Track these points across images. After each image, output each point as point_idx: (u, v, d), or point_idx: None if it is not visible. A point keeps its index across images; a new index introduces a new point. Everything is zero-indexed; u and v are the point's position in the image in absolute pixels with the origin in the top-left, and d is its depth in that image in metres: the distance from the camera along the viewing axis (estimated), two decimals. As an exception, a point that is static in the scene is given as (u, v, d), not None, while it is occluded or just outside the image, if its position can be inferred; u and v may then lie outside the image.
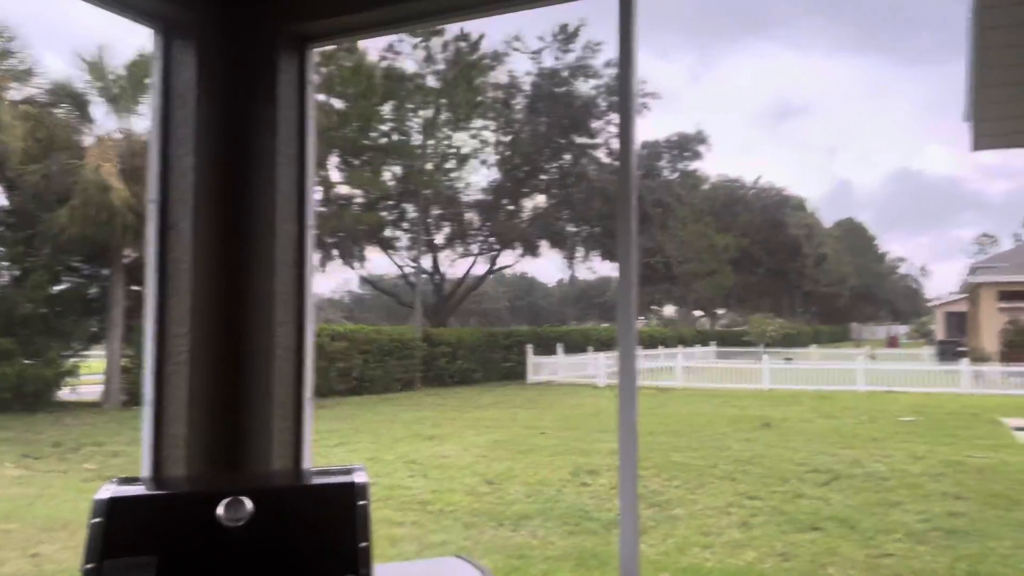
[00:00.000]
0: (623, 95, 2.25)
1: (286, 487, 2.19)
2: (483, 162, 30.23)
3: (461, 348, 24.55)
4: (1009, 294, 26.44)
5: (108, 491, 1.90)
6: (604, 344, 29.94)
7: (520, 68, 39.36)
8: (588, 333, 31.35)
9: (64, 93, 16.66)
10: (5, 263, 16.82)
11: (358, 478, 2.02)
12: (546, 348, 27.24)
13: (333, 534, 1.96)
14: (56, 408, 16.25)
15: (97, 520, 1.85)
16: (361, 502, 1.98)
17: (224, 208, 2.62)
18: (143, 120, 17.14)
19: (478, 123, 27.97)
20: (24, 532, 6.78)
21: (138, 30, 2.57)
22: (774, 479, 8.89)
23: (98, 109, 16.93)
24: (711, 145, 43.33)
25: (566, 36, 30.43)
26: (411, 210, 29.51)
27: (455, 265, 34.93)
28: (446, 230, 33.73)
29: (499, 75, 28.09)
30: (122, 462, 10.36)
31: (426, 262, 31.57)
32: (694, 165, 43.60)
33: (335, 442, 11.98)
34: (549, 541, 6.49)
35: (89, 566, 1.76)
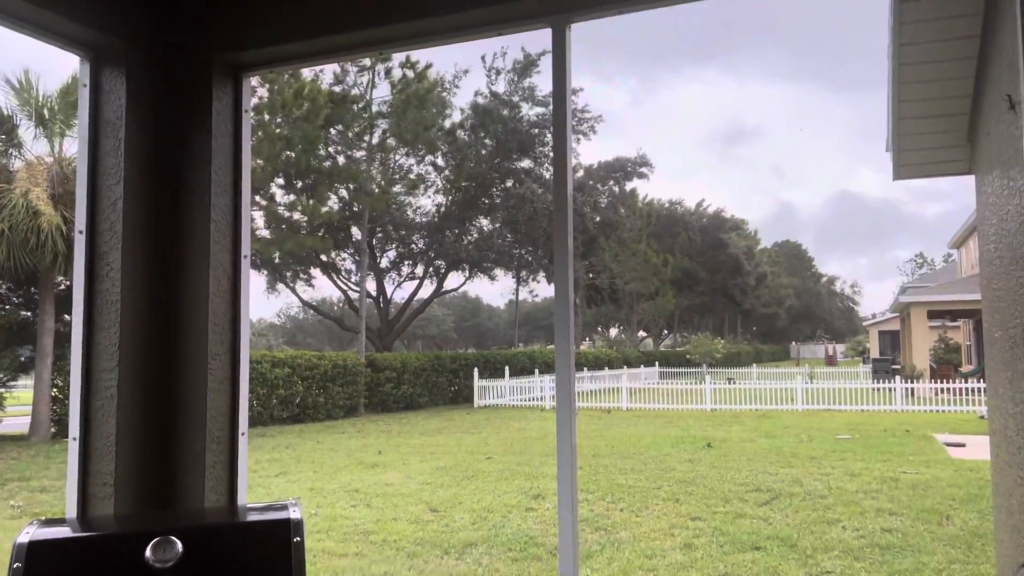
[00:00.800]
0: (558, 117, 2.29)
1: (218, 525, 2.14)
2: (429, 185, 30.27)
3: (406, 372, 24.34)
4: (938, 313, 27.48)
5: (29, 534, 1.84)
6: (550, 366, 30.05)
7: (467, 91, 39.61)
8: (534, 355, 31.45)
9: (-9, 115, 16.10)
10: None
11: (293, 514, 1.99)
12: (493, 371, 27.21)
13: (267, 572, 1.93)
14: (-21, 442, 15.51)
15: (17, 565, 1.78)
16: (296, 539, 1.95)
17: (156, 238, 2.57)
18: (74, 145, 16.67)
19: (424, 146, 28.01)
20: (-58, 576, 6.43)
21: (69, 55, 2.52)
22: (716, 499, 9.01)
23: (27, 133, 16.41)
24: (653, 167, 44.20)
25: (524, 64, 30.81)
26: (356, 233, 29.28)
27: (400, 288, 34.76)
28: (391, 253, 33.56)
29: (446, 98, 28.22)
30: (50, 498, 9.93)
31: (370, 285, 31.30)
32: (637, 188, 44.43)
33: (275, 471, 11.71)
34: (494, 569, 6.44)
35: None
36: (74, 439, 2.53)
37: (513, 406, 23.67)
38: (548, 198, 30.94)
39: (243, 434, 2.75)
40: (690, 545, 7.03)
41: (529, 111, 31.43)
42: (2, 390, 17.14)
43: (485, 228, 32.78)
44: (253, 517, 2.16)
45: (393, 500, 9.22)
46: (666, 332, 59.06)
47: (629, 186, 43.71)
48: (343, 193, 27.02)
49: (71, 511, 2.53)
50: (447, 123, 28.94)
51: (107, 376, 2.51)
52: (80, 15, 2.37)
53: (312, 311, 39.82)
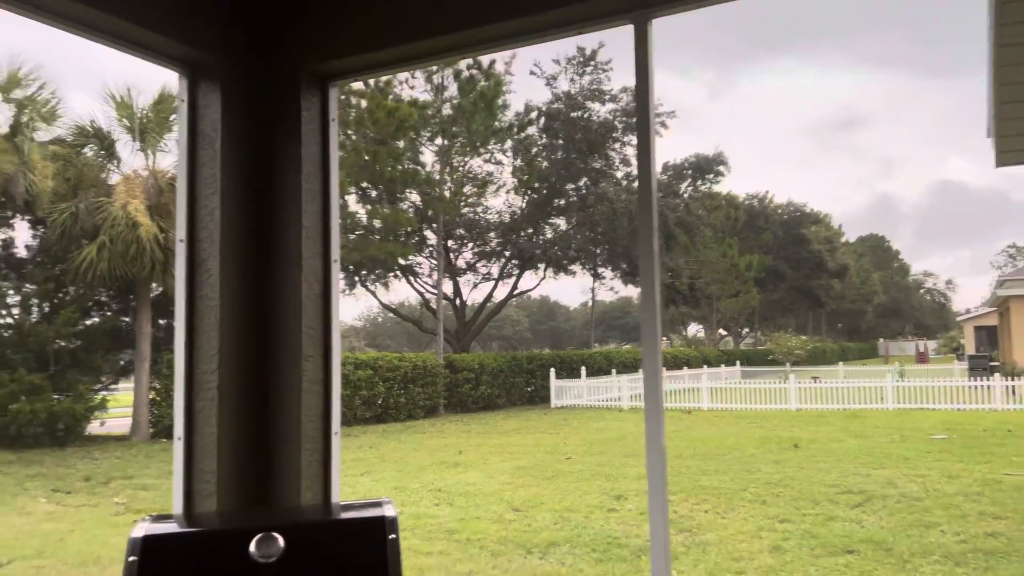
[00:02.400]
0: (641, 116, 2.27)
1: (316, 522, 2.20)
2: (500, 186, 30.44)
3: (484, 373, 24.53)
4: (1041, 306, 25.98)
5: (142, 529, 1.92)
6: (626, 366, 29.78)
7: (536, 91, 39.62)
8: (611, 355, 31.22)
9: (91, 133, 17.04)
10: (35, 300, 17.12)
11: (388, 512, 2.03)
12: (569, 371, 27.14)
13: (364, 569, 1.97)
14: (86, 442, 16.42)
15: (132, 559, 1.87)
16: (391, 536, 1.99)
17: (251, 245, 2.66)
18: (168, 157, 17.47)
19: (495, 148, 28.21)
20: (56, 568, 6.83)
21: (163, 71, 2.64)
22: (805, 501, 8.75)
23: (125, 147, 17.29)
24: (732, 163, 43.34)
25: (583, 60, 30.71)
26: (431, 237, 29.71)
27: (476, 290, 35.09)
28: (467, 255, 33.90)
29: (516, 99, 28.35)
30: (152, 495, 10.42)
31: (447, 288, 31.68)
32: (716, 184, 43.60)
33: (361, 471, 11.98)
34: (578, 569, 6.42)
35: (124, 607, 1.78)
36: (179, 438, 2.63)
37: (590, 406, 23.55)
38: (624, 197, 30.69)
39: (336, 433, 2.82)
40: (779, 548, 6.85)
41: (600, 109, 31.24)
42: (105, 393, 18.08)
43: (560, 228, 32.73)
44: (349, 515, 2.21)
45: (475, 499, 9.31)
46: (747, 330, 57.74)
47: (708, 182, 42.97)
48: (415, 198, 27.46)
49: (177, 507, 2.64)
50: (517, 124, 29.05)
51: (208, 378, 2.60)
52: (179, 34, 2.47)
53: (392, 314, 40.60)
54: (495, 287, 34.05)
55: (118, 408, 18.94)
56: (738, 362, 35.03)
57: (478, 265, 34.00)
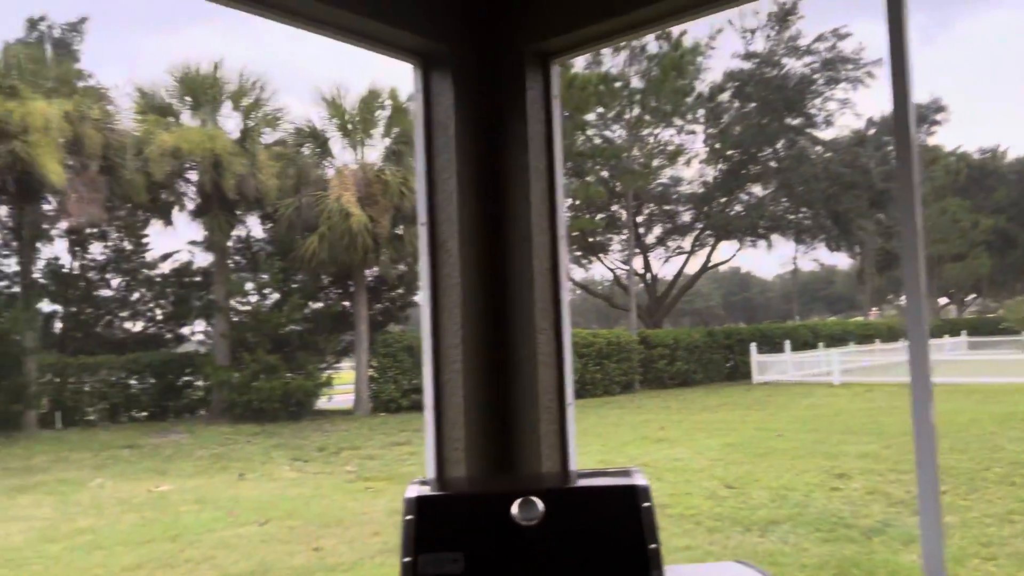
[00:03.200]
0: (896, 54, 2.09)
1: (574, 488, 2.26)
2: (692, 156, 29.55)
3: (679, 349, 24.10)
4: None
5: (414, 491, 2.08)
6: (834, 339, 27.95)
7: (727, 53, 37.93)
8: (816, 328, 29.44)
9: (308, 133, 18.60)
10: (268, 288, 19.06)
11: (639, 480, 2.05)
12: (770, 346, 25.97)
13: (620, 536, 2.00)
14: (316, 416, 18.09)
15: (409, 517, 2.03)
16: (645, 504, 2.01)
17: (485, 225, 2.78)
18: (374, 151, 18.71)
19: (686, 118, 27.40)
20: (305, 528, 7.60)
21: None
22: (1063, 485, 7.80)
23: (336, 144, 18.71)
24: (951, 114, 39.04)
25: (780, 15, 28.91)
26: (621, 212, 29.49)
27: (668, 264, 34.41)
28: (657, 229, 33.32)
29: (706, 66, 27.33)
30: (378, 464, 11.28)
31: (637, 264, 31.36)
32: (935, 137, 39.58)
33: (566, 445, 12.21)
34: (802, 548, 6.16)
35: (407, 559, 1.93)
36: (429, 408, 2.81)
37: (797, 382, 22.40)
38: (827, 156, 28.70)
39: (570, 404, 2.87)
40: (1036, 535, 6.16)
41: (795, 64, 29.27)
42: (329, 371, 19.81)
43: (756, 195, 31.23)
44: (603, 482, 2.25)
45: (684, 475, 9.19)
46: (973, 296, 52.14)
47: (923, 134, 39.06)
48: (604, 173, 27.32)
49: (430, 472, 2.82)
50: (706, 90, 27.99)
51: (453, 352, 2.75)
52: (414, 27, 2.61)
53: (581, 291, 40.89)
54: (687, 261, 33.25)
55: (341, 385, 20.68)
56: (963, 332, 31.76)
57: (669, 240, 33.33)
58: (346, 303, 20.56)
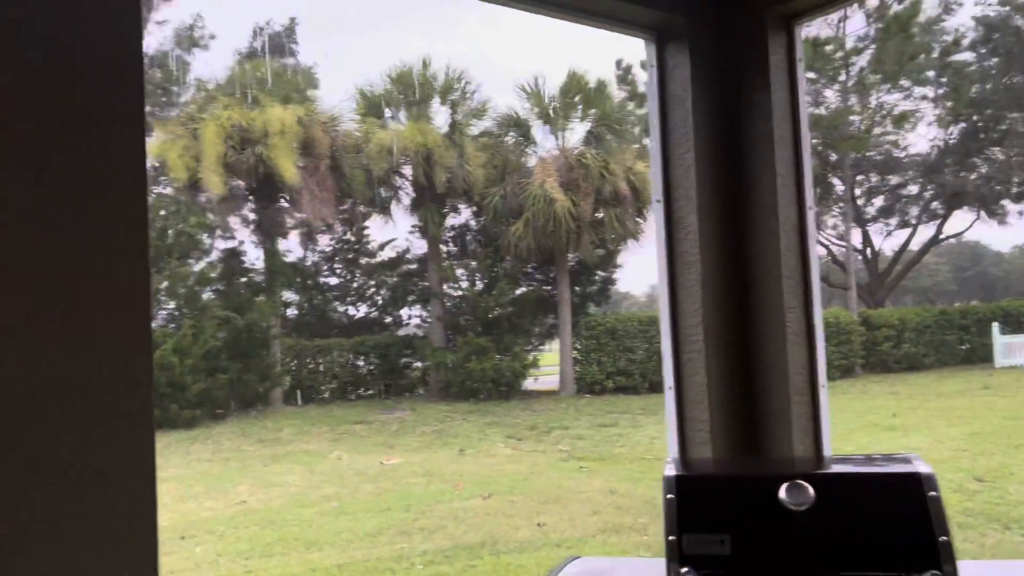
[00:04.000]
0: None
1: (847, 474, 2.13)
2: (919, 119, 26.85)
3: (906, 330, 22.13)
4: None
5: (672, 470, 2.06)
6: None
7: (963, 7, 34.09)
8: (1074, 305, 25.79)
9: (512, 122, 19.13)
10: (478, 274, 19.92)
11: (921, 467, 1.89)
12: (1016, 326, 23.10)
13: (904, 526, 1.86)
14: (524, 396, 18.66)
15: (670, 496, 2.01)
16: (931, 492, 1.85)
17: (725, 199, 2.68)
18: (573, 136, 18.85)
19: (910, 78, 24.94)
20: (525, 504, 7.87)
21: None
22: None
23: (537, 131, 19.08)
24: None
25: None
26: (837, 184, 27.53)
27: (890, 238, 31.68)
28: (877, 201, 30.75)
29: (939, 18, 24.67)
30: (588, 444, 11.43)
31: (854, 239, 29.11)
32: None
33: (783, 431, 11.67)
34: (1077, 554, 5.44)
35: (671, 538, 1.91)
36: (669, 388, 2.77)
37: (1052, 366, 19.81)
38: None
39: (823, 386, 2.72)
40: None
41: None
42: (535, 353, 20.34)
43: (998, 160, 27.81)
44: (880, 468, 2.10)
45: (923, 466, 8.44)
46: None
47: None
48: (814, 142, 25.57)
49: (672, 452, 2.78)
50: (938, 47, 25.23)
51: (693, 332, 2.70)
52: (648, 1, 2.57)
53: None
54: (912, 234, 30.38)
55: (546, 366, 21.15)
56: None
57: (892, 213, 30.62)
58: (547, 287, 20.98)
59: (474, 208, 20.32)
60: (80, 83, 1.29)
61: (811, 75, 23.95)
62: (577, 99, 18.53)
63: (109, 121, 1.29)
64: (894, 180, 29.46)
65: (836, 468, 2.24)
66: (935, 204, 29.19)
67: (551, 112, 18.39)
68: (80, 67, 1.32)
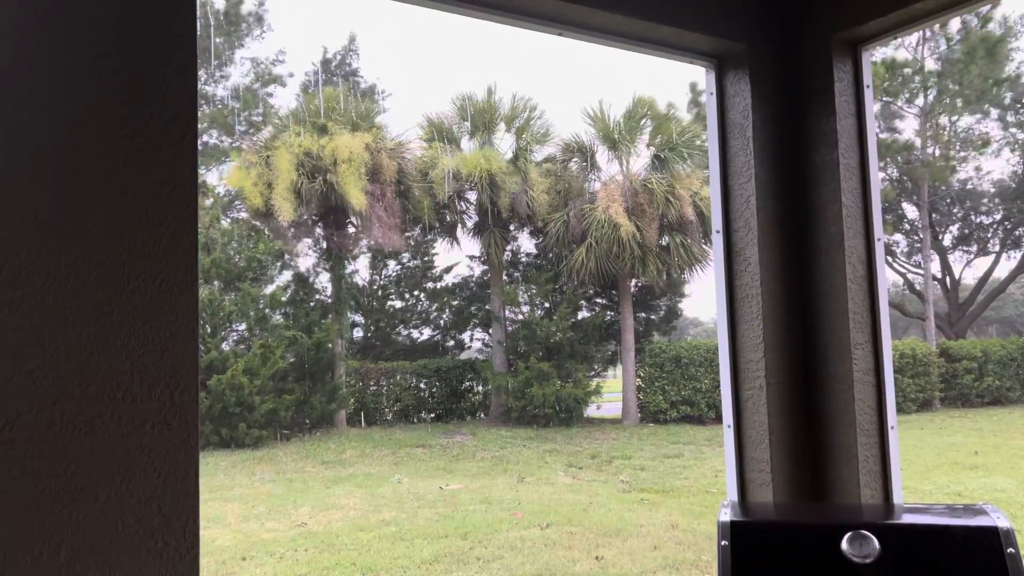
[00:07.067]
0: None
1: (916, 525, 2.00)
2: (1003, 145, 25.78)
3: (990, 362, 21.09)
4: None
5: (727, 515, 1.96)
6: None
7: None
8: None
9: (575, 148, 19.15)
10: (539, 299, 19.88)
11: (1000, 521, 1.76)
12: (1114, 360, 21.75)
13: (975, 584, 1.73)
14: (586, 423, 18.44)
15: (725, 543, 1.92)
16: (1010, 550, 1.72)
17: (788, 230, 2.59)
18: (639, 161, 18.73)
19: (992, 103, 23.98)
20: (584, 535, 7.72)
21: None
22: None
23: (602, 156, 19.04)
24: None
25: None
26: (911, 211, 26.61)
27: (970, 267, 30.38)
28: (954, 229, 29.60)
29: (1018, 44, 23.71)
30: (650, 476, 11.18)
31: (933, 267, 28.01)
32: None
33: (855, 467, 11.20)
34: None
35: (725, 587, 1.82)
36: (728, 426, 2.67)
37: None
38: None
39: (892, 428, 2.59)
40: None
41: None
42: (598, 380, 20.10)
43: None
44: (951, 521, 1.97)
45: (1009, 508, 7.97)
46: None
47: None
48: (891, 170, 24.80)
49: (732, 494, 2.67)
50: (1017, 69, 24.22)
51: (754, 367, 2.60)
52: (709, 28, 2.52)
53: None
54: (996, 261, 29.07)
55: (608, 393, 20.90)
56: None
57: (972, 240, 29.41)
58: (610, 313, 20.78)
59: (536, 233, 20.34)
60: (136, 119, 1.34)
61: (886, 99, 23.30)
62: (643, 123, 18.43)
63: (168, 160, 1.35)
64: (974, 206, 28.32)
65: (905, 518, 2.10)
66: (1020, 231, 27.92)
67: (616, 136, 18.33)
68: (138, 105, 1.37)
